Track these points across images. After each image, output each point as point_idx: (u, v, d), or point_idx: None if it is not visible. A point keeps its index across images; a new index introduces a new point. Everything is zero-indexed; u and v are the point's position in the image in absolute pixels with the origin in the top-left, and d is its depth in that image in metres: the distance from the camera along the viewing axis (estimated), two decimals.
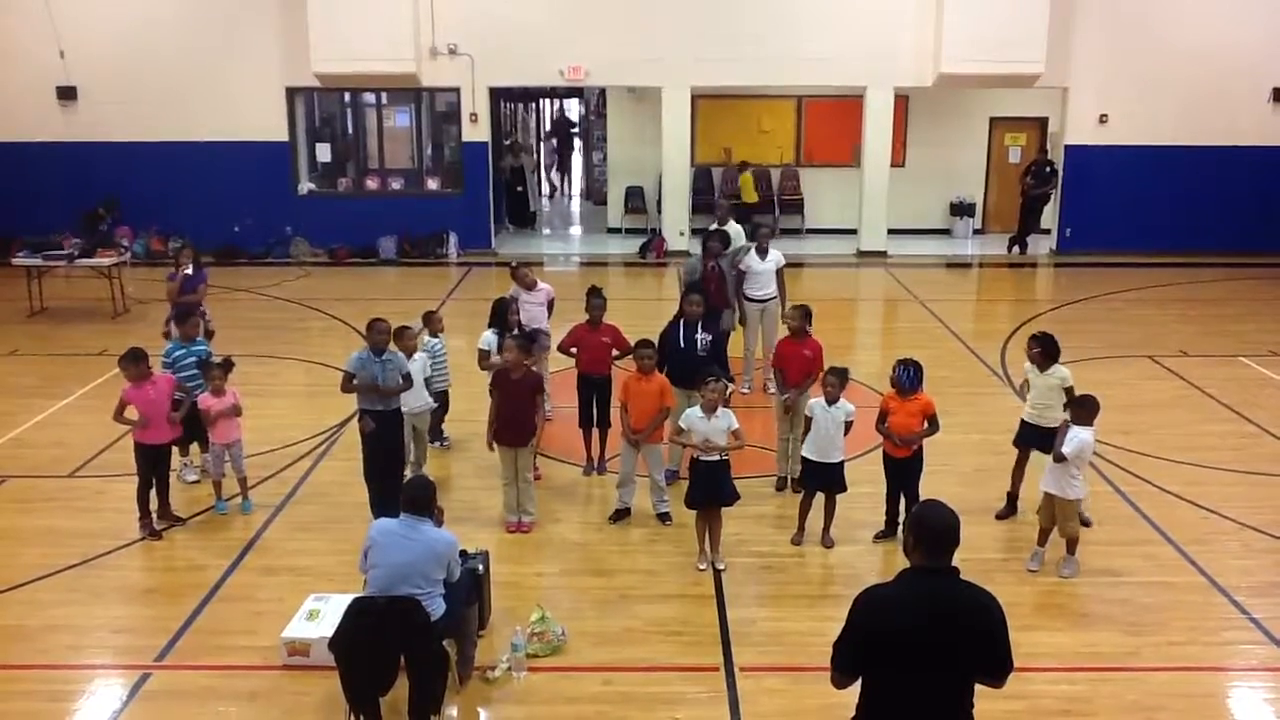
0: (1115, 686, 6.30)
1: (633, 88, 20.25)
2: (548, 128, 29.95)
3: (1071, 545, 7.58)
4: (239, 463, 8.47)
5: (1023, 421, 8.36)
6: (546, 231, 22.81)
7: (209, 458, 8.79)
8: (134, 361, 8.04)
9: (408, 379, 8.24)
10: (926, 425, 7.76)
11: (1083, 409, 7.45)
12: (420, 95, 19.51)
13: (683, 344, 8.86)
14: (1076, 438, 7.35)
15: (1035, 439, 8.23)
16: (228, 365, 8.75)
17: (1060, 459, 7.36)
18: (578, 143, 29.21)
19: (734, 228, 12.20)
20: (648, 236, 19.87)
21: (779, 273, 11.15)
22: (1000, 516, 8.41)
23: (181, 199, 18.25)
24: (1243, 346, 13.28)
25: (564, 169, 28.86)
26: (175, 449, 8.68)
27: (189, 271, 11.09)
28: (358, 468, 8.40)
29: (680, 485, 8.28)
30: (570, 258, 20.25)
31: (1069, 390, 8.00)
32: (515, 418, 8.05)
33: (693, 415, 7.58)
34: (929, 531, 3.99)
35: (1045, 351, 8.14)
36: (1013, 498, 8.46)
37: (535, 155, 26.50)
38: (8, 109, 18.29)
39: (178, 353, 8.78)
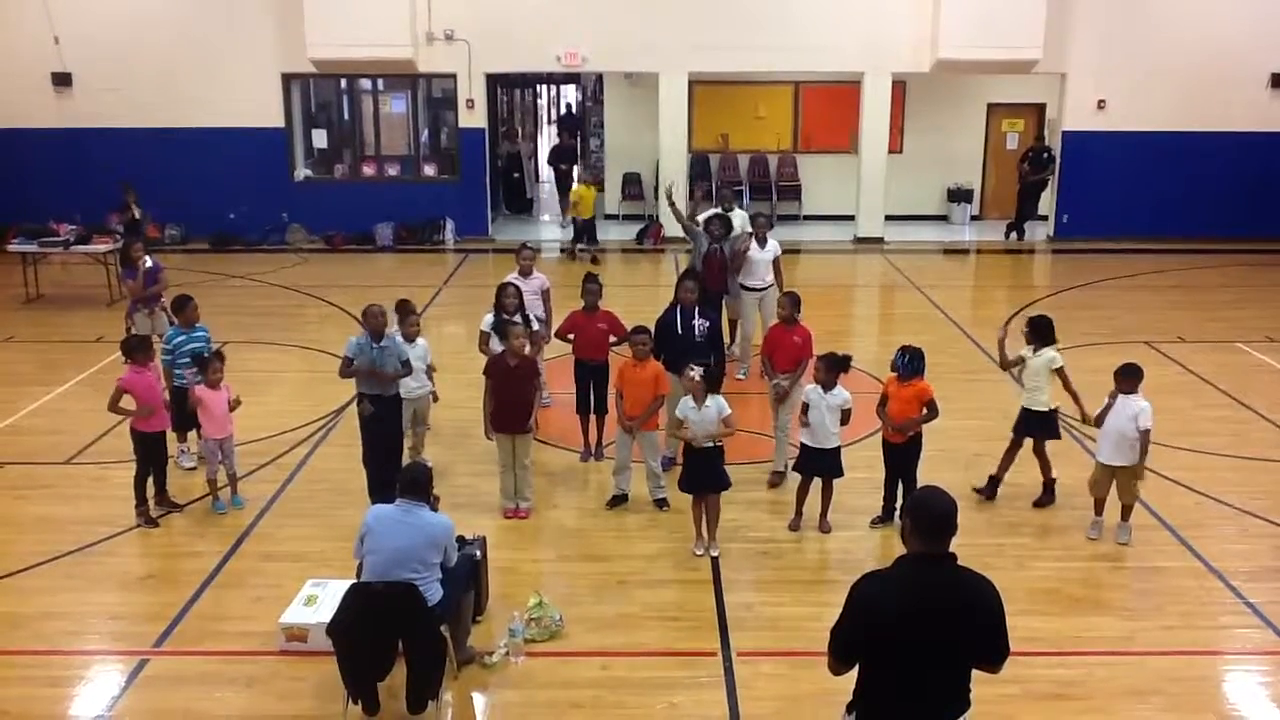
0: (1110, 670, 6.32)
1: (630, 74, 20.19)
2: (553, 119, 28.45)
3: (1126, 512, 7.76)
4: (231, 458, 8.42)
5: (1023, 409, 8.34)
6: (545, 218, 22.75)
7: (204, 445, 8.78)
8: (136, 350, 8.07)
9: (406, 365, 8.25)
10: (925, 412, 7.75)
11: (1131, 378, 7.58)
12: (417, 81, 19.45)
13: (680, 330, 8.86)
14: (1145, 410, 7.48)
15: (1034, 425, 8.26)
16: (221, 358, 8.70)
17: (1145, 436, 7.45)
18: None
19: (737, 214, 12.19)
20: (645, 223, 19.83)
21: (775, 262, 11.27)
22: (978, 491, 8.39)
23: (177, 186, 18.16)
24: (1239, 332, 13.28)
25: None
26: (174, 435, 8.67)
27: (149, 265, 11.10)
28: (355, 454, 8.41)
29: (676, 471, 8.27)
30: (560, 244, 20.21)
31: (1058, 372, 8.07)
32: (512, 404, 8.03)
33: (685, 406, 7.57)
34: (927, 518, 3.99)
35: (1034, 332, 8.22)
36: (995, 481, 8.42)
37: (533, 142, 26.14)
38: (2, 95, 18.20)
39: (178, 339, 8.75)
